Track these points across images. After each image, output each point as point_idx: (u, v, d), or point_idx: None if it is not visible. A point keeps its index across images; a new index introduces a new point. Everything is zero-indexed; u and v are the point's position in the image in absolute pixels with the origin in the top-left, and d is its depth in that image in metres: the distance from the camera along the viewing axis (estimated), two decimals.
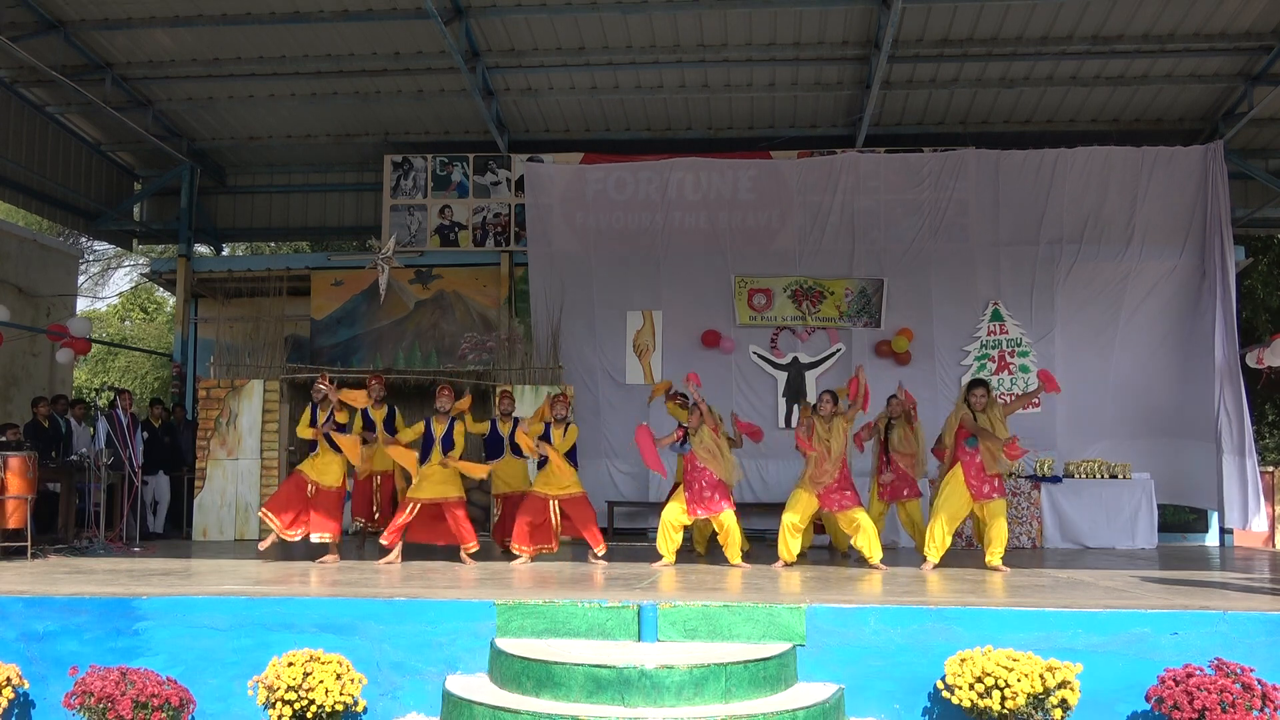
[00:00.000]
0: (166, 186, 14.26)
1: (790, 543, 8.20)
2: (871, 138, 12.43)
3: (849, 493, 8.28)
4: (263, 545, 8.66)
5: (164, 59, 11.76)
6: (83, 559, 8.47)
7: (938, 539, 8.02)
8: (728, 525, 8.24)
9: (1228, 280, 11.64)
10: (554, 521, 8.64)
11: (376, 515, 9.65)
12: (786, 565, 8.15)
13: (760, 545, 9.60)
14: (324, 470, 8.64)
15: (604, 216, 12.50)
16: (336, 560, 8.28)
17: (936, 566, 7.98)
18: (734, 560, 8.24)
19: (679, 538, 8.43)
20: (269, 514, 8.51)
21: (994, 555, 7.98)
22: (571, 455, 8.82)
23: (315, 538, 8.50)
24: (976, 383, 8.37)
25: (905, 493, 9.14)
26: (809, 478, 8.29)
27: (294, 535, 8.56)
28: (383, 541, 8.37)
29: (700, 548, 9.40)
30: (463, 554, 8.35)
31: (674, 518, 8.34)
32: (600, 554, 8.55)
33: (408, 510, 8.32)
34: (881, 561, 8.15)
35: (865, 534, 8.18)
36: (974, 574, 7.63)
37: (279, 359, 11.38)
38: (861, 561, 8.35)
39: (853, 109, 12.37)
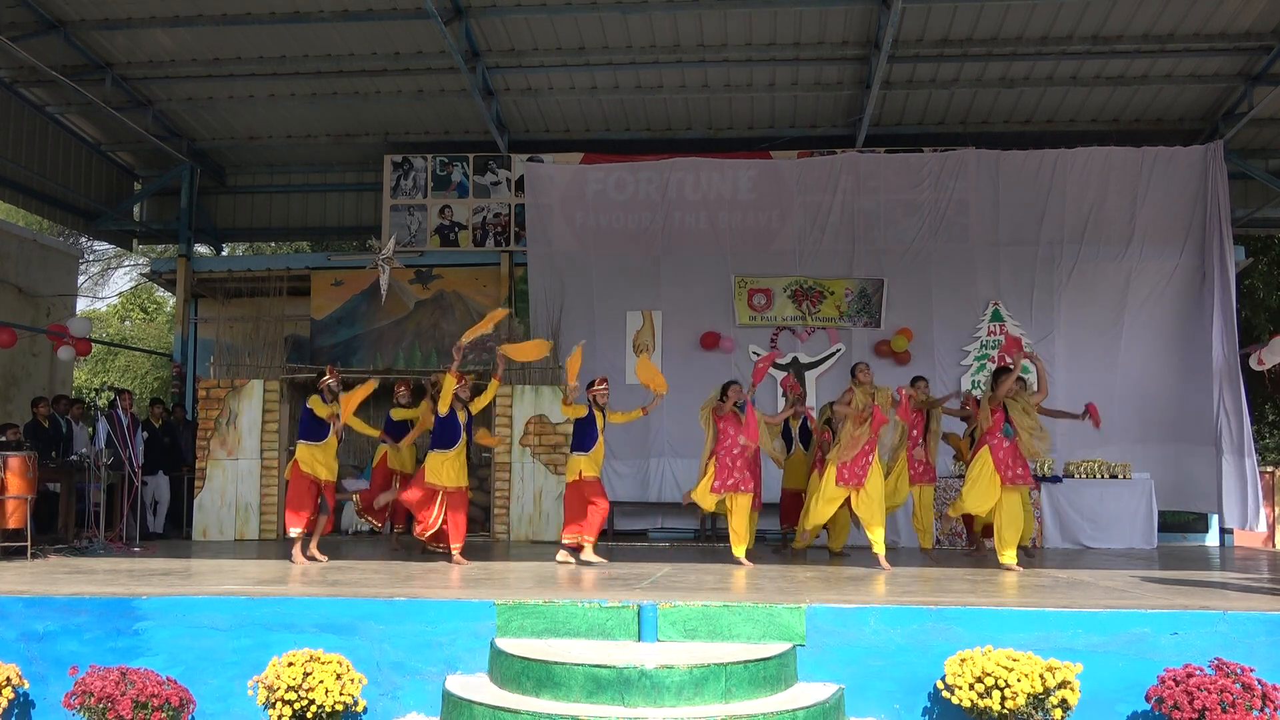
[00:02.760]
0: (166, 186, 14.27)
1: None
2: (871, 138, 12.43)
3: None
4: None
5: (164, 59, 11.76)
6: (83, 559, 8.47)
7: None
8: (743, 509, 8.28)
9: (1227, 280, 11.65)
10: None
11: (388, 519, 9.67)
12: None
13: (759, 545, 9.59)
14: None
15: (604, 216, 12.50)
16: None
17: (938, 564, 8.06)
18: (738, 554, 8.21)
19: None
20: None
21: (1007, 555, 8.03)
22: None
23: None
24: (1002, 370, 8.37)
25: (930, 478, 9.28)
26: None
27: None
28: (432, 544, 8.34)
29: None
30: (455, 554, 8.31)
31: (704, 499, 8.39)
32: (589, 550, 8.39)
33: (438, 501, 8.23)
34: (885, 559, 8.14)
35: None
36: (974, 574, 7.62)
37: (279, 359, 11.38)
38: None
39: (853, 109, 12.37)
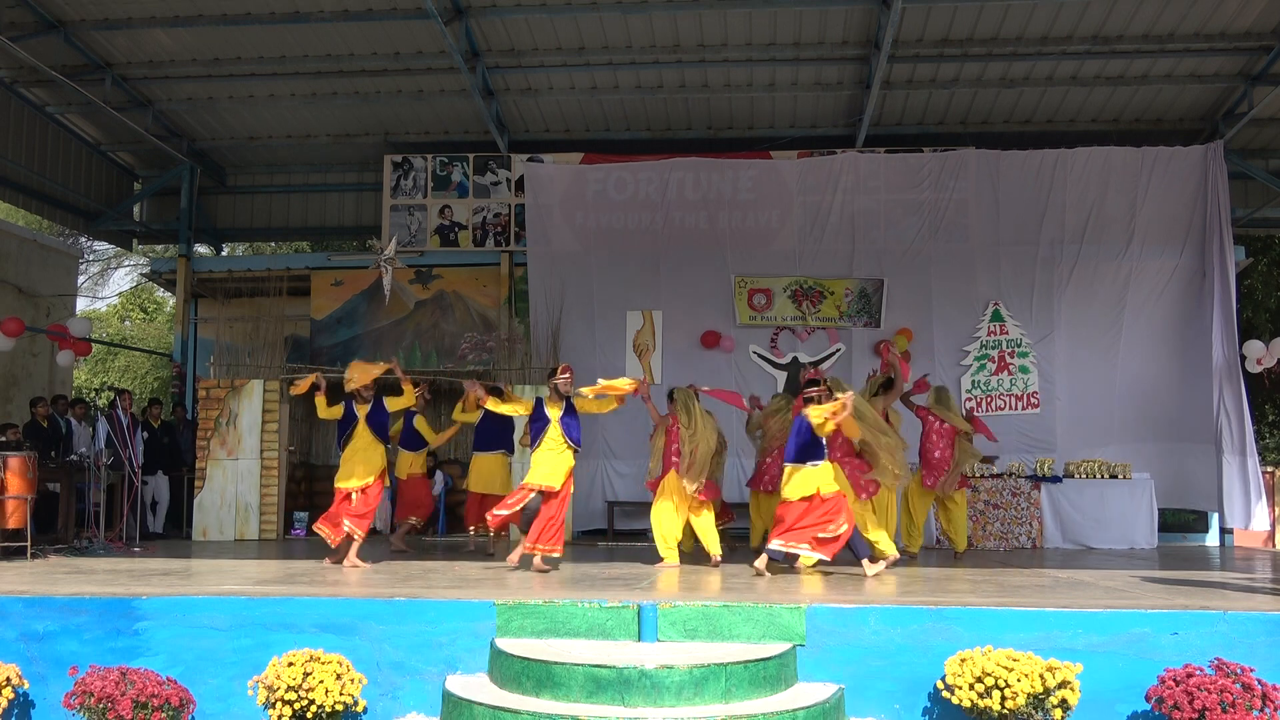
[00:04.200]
0: (166, 186, 14.26)
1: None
2: (871, 138, 12.43)
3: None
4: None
5: (164, 59, 11.76)
6: (83, 559, 8.48)
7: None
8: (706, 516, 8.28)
9: (1227, 280, 11.65)
10: None
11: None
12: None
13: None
14: None
15: (604, 216, 12.50)
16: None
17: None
18: (714, 552, 8.15)
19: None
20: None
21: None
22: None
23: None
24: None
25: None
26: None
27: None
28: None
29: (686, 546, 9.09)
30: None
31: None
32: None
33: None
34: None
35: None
36: (974, 574, 7.63)
37: (279, 359, 11.39)
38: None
39: (853, 109, 12.37)
